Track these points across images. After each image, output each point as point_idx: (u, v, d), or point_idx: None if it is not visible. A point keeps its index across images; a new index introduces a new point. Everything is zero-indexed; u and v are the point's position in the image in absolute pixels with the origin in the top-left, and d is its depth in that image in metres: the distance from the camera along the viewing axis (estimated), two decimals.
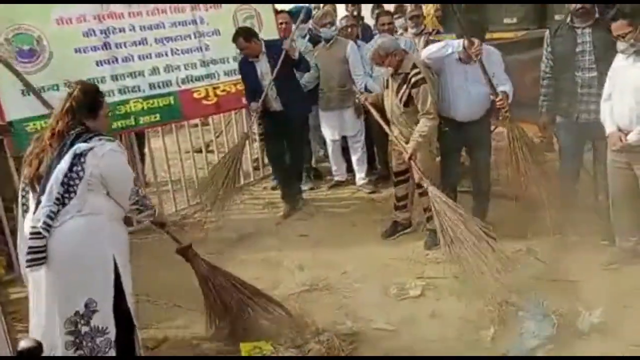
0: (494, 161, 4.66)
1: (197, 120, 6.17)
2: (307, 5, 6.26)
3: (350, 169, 6.04)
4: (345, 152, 6.00)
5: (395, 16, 6.23)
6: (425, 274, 4.03)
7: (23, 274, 2.88)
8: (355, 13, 6.43)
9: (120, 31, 4.89)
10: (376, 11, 6.34)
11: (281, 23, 5.82)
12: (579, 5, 3.88)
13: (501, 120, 4.30)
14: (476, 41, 3.95)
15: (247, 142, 5.68)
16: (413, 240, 4.56)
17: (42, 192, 2.63)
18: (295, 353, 3.19)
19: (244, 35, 4.93)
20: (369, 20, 6.84)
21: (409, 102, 4.20)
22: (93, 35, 4.75)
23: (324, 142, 6.19)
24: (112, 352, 2.73)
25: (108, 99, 3.92)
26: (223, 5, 5.46)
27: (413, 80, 4.12)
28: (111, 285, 2.73)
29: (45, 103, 4.07)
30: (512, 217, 4.43)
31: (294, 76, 5.26)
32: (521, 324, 3.19)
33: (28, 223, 2.68)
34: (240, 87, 5.44)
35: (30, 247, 2.60)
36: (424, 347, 3.22)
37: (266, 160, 6.27)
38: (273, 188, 6.03)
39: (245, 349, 3.24)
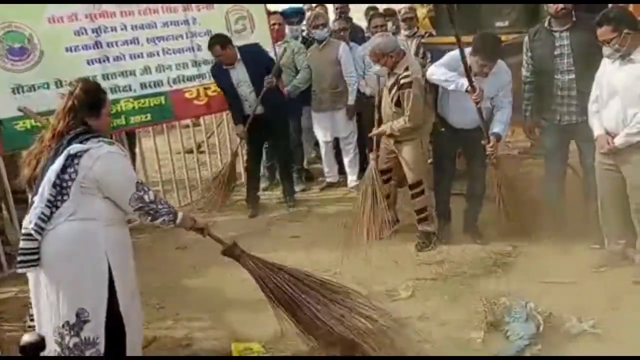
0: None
1: (188, 121, 6.16)
2: (300, 6, 6.29)
3: (342, 171, 6.05)
4: (338, 154, 6.01)
5: (386, 18, 6.24)
6: (416, 275, 4.03)
7: None
8: (342, 13, 6.44)
9: (111, 30, 4.88)
10: (371, 12, 6.36)
11: (274, 24, 5.81)
12: (561, 6, 3.91)
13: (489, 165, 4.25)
14: (478, 88, 3.93)
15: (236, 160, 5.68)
16: (405, 242, 4.57)
17: (36, 193, 2.56)
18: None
19: (220, 42, 4.94)
20: (360, 22, 6.85)
21: (399, 102, 4.25)
22: (84, 34, 4.74)
23: (316, 144, 6.20)
24: None
25: None
26: (215, 5, 5.45)
27: (401, 82, 4.18)
28: (104, 294, 2.62)
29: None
30: (502, 219, 4.44)
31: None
32: (507, 326, 3.20)
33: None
34: None
35: (21, 249, 2.53)
36: (415, 348, 3.21)
37: None
38: (264, 189, 6.02)
39: (237, 349, 3.24)
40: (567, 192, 4.33)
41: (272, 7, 6.28)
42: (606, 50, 3.48)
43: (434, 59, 5.13)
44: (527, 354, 3.05)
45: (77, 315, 2.57)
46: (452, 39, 4.03)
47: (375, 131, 4.52)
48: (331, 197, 5.80)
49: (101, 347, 2.62)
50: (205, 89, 5.40)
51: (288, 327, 3.12)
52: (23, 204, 3.45)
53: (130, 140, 5.60)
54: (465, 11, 5.24)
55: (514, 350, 3.06)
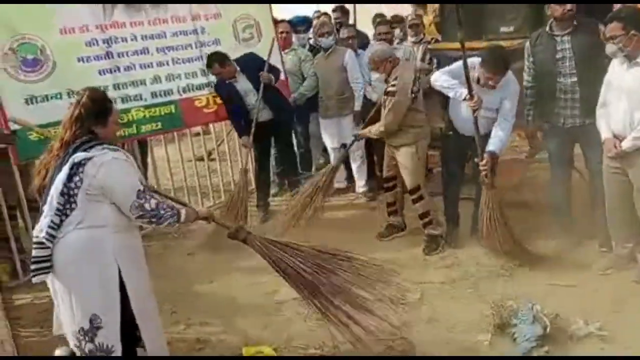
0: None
1: (199, 129, 6.23)
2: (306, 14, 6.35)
3: (350, 177, 6.09)
4: (347, 160, 6.05)
5: (393, 25, 6.31)
6: (424, 279, 4.07)
7: None
8: (338, 24, 6.49)
9: (122, 41, 4.94)
10: (377, 19, 6.42)
11: (281, 32, 5.86)
12: (568, 7, 3.93)
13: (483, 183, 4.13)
14: (476, 97, 3.97)
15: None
16: (412, 246, 4.61)
17: (45, 201, 2.62)
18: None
19: (219, 60, 5.02)
20: (365, 29, 6.90)
21: None
22: (95, 45, 4.80)
23: (324, 150, 6.25)
24: None
25: None
26: (223, 15, 5.51)
27: (388, 89, 4.37)
28: (116, 300, 2.66)
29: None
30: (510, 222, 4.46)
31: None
32: (514, 328, 3.23)
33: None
34: None
35: (34, 257, 2.59)
36: (422, 350, 3.25)
37: None
38: (274, 195, 6.07)
39: (248, 352, 3.29)
40: (574, 195, 4.34)
41: (280, 15, 6.35)
42: (609, 47, 3.51)
43: (440, 65, 5.20)
44: (534, 355, 3.07)
45: (91, 321, 2.63)
46: (458, 44, 4.09)
47: (360, 132, 4.76)
48: (340, 202, 5.83)
49: (118, 353, 2.67)
50: (214, 97, 5.45)
51: (298, 329, 3.16)
52: (37, 212, 3.52)
53: (143, 149, 5.68)
54: (471, 17, 5.27)
55: (521, 352, 3.09)
